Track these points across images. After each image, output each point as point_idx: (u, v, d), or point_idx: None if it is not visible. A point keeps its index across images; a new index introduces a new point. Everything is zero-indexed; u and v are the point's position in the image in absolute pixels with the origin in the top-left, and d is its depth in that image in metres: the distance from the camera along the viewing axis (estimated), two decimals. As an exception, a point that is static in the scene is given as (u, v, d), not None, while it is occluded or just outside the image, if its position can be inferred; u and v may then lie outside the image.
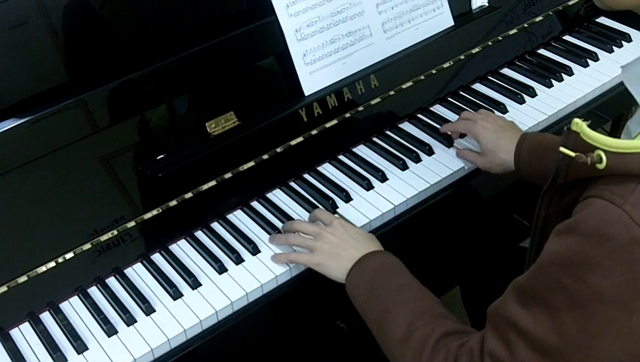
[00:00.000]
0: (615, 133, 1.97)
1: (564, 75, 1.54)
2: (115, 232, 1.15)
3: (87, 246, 1.13)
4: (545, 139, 1.22)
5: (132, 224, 1.16)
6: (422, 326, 0.94)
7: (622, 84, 1.51)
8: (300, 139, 1.31)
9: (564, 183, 0.84)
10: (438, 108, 1.47)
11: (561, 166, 0.82)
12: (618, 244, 0.72)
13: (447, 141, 1.37)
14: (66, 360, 1.05)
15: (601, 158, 0.75)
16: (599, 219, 0.74)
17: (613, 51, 1.60)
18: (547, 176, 1.15)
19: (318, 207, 1.24)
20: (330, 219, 1.15)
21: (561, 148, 0.80)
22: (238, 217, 1.25)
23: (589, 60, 1.57)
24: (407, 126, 1.43)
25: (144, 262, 1.18)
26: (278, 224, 1.22)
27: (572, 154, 0.78)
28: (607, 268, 0.72)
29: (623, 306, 0.73)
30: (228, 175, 1.24)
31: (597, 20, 1.71)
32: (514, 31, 1.58)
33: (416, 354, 0.92)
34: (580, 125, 0.77)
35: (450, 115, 1.44)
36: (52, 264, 1.11)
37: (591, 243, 0.73)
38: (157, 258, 1.19)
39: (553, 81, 1.52)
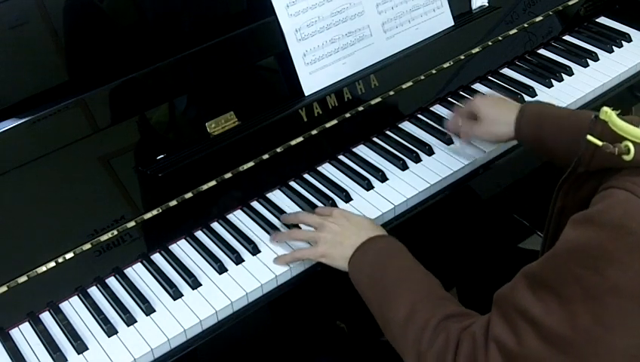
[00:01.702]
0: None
1: (564, 75, 1.54)
2: (115, 232, 1.15)
3: (87, 246, 1.13)
4: (546, 109, 1.22)
5: (132, 224, 1.17)
6: (423, 309, 0.92)
7: (622, 84, 1.53)
8: (300, 139, 1.31)
9: (584, 173, 0.82)
10: (438, 108, 1.47)
11: (585, 154, 0.81)
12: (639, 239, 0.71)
13: (447, 141, 1.37)
14: (66, 360, 1.05)
15: (629, 149, 0.74)
16: (622, 211, 0.73)
17: (613, 51, 1.60)
18: (548, 145, 1.15)
19: (318, 207, 1.24)
20: (329, 210, 1.15)
21: (588, 137, 0.79)
22: (238, 217, 1.25)
23: (589, 60, 1.57)
24: (407, 126, 1.43)
25: (144, 262, 1.18)
26: (278, 224, 1.22)
27: (599, 143, 0.77)
28: (627, 263, 0.71)
29: (638, 301, 0.72)
30: (228, 175, 1.24)
31: (597, 20, 1.71)
32: (514, 31, 1.58)
33: (417, 337, 0.90)
34: (609, 114, 0.76)
35: (451, 115, 1.44)
36: (52, 264, 1.11)
37: (611, 235, 0.72)
38: (157, 258, 1.19)
39: (553, 81, 1.52)
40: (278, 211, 1.25)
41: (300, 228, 1.19)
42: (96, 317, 1.09)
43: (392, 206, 1.25)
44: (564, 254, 0.77)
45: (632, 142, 0.74)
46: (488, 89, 1.52)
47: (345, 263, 1.07)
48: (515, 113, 1.21)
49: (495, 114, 1.25)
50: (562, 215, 0.88)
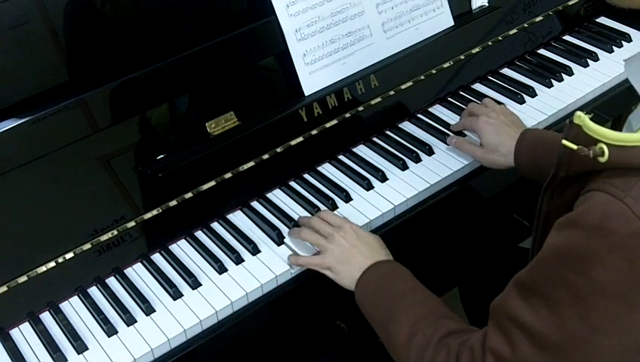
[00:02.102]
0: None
1: (564, 75, 1.54)
2: (115, 232, 1.15)
3: (87, 246, 1.13)
4: (545, 136, 1.23)
5: (132, 224, 1.17)
6: (425, 327, 0.94)
7: (622, 84, 1.54)
8: (300, 139, 1.31)
9: (565, 177, 0.83)
10: (438, 109, 1.47)
11: (563, 159, 0.82)
12: (619, 238, 0.72)
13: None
14: (66, 360, 1.05)
15: (603, 151, 0.75)
16: (601, 212, 0.73)
17: (613, 51, 1.60)
18: (544, 172, 1.16)
19: (318, 207, 1.24)
20: (340, 223, 1.14)
21: (563, 141, 0.80)
22: (238, 217, 1.25)
23: (589, 60, 1.57)
24: (407, 126, 1.43)
25: (144, 262, 1.18)
26: (278, 224, 1.22)
27: (574, 147, 0.78)
28: (609, 262, 0.72)
29: (623, 300, 0.73)
30: (228, 175, 1.24)
31: (597, 20, 1.71)
32: (514, 31, 1.58)
33: (420, 355, 0.92)
34: (582, 118, 0.77)
35: (451, 115, 1.44)
36: (52, 264, 1.11)
37: (592, 236, 0.73)
38: (157, 258, 1.19)
39: (553, 81, 1.52)
40: (278, 211, 1.25)
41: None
42: (96, 317, 1.09)
43: (392, 206, 1.25)
44: (549, 258, 0.79)
45: (606, 143, 0.75)
46: (489, 89, 1.52)
47: (351, 283, 1.08)
48: (515, 143, 1.23)
49: (496, 142, 1.26)
50: (548, 219, 0.89)
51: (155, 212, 1.18)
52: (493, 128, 1.27)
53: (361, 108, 1.37)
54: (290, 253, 1.17)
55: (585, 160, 0.77)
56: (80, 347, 1.06)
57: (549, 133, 1.27)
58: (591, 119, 0.77)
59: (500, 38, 1.56)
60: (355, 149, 1.38)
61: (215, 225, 1.24)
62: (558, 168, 0.84)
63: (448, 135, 1.37)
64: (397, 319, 0.98)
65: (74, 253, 1.12)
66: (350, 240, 1.11)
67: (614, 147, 0.74)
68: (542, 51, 1.63)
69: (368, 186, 1.29)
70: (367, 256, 1.08)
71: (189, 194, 1.21)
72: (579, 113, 0.78)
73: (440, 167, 1.32)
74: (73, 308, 1.12)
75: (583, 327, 0.75)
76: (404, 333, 0.95)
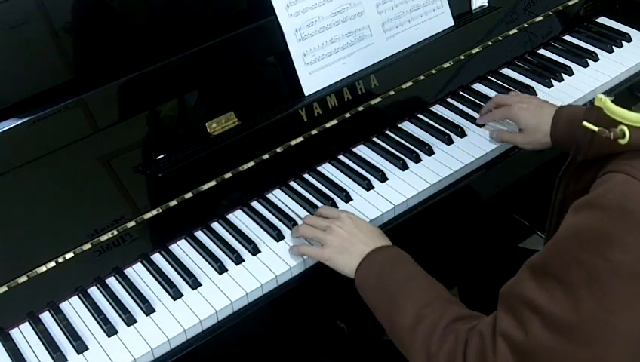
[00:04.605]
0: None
1: (564, 75, 1.54)
2: (115, 232, 1.15)
3: (87, 246, 1.13)
4: (579, 110, 1.24)
5: (132, 224, 1.17)
6: (430, 313, 0.93)
7: (621, 84, 1.54)
8: (300, 139, 1.31)
9: (582, 162, 0.83)
10: (438, 108, 1.47)
11: (582, 142, 0.82)
12: (639, 219, 0.71)
13: (447, 140, 1.37)
14: (66, 360, 1.05)
15: (624, 133, 0.75)
16: (620, 193, 0.73)
17: (613, 51, 1.60)
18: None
19: (318, 207, 1.24)
20: (337, 214, 1.15)
21: (584, 123, 0.80)
22: (238, 217, 1.25)
23: (589, 60, 1.58)
24: (407, 126, 1.43)
25: (144, 262, 1.18)
26: (278, 224, 1.22)
27: (595, 128, 0.78)
28: (628, 244, 0.72)
29: None
30: (228, 175, 1.24)
31: (597, 20, 1.71)
32: (514, 31, 1.58)
33: (425, 340, 0.91)
34: (603, 100, 0.78)
35: (450, 115, 1.44)
36: (52, 264, 1.11)
37: (611, 217, 0.73)
38: (157, 258, 1.19)
39: (553, 81, 1.52)
40: (278, 211, 1.25)
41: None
42: (96, 317, 1.09)
43: (392, 206, 1.25)
44: (565, 240, 0.78)
45: (627, 125, 0.75)
46: (489, 89, 1.52)
47: (351, 271, 1.07)
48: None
49: (536, 123, 1.27)
50: (563, 206, 0.89)
51: (155, 212, 1.18)
52: (529, 111, 1.28)
53: (361, 108, 1.37)
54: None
55: (605, 142, 0.77)
56: (80, 347, 1.06)
57: (582, 108, 1.27)
58: (612, 101, 0.77)
59: (500, 38, 1.56)
60: (355, 149, 1.38)
61: (215, 225, 1.24)
62: (577, 152, 0.84)
63: (448, 135, 1.37)
64: (401, 305, 0.97)
65: (74, 253, 1.12)
66: (348, 229, 1.10)
67: (635, 129, 0.75)
68: (542, 51, 1.63)
69: (368, 186, 1.29)
70: (366, 243, 1.08)
71: (189, 194, 1.21)
72: (600, 95, 0.78)
73: (440, 167, 1.32)
74: (73, 308, 1.12)
75: (599, 309, 0.74)
76: (409, 319, 0.94)
